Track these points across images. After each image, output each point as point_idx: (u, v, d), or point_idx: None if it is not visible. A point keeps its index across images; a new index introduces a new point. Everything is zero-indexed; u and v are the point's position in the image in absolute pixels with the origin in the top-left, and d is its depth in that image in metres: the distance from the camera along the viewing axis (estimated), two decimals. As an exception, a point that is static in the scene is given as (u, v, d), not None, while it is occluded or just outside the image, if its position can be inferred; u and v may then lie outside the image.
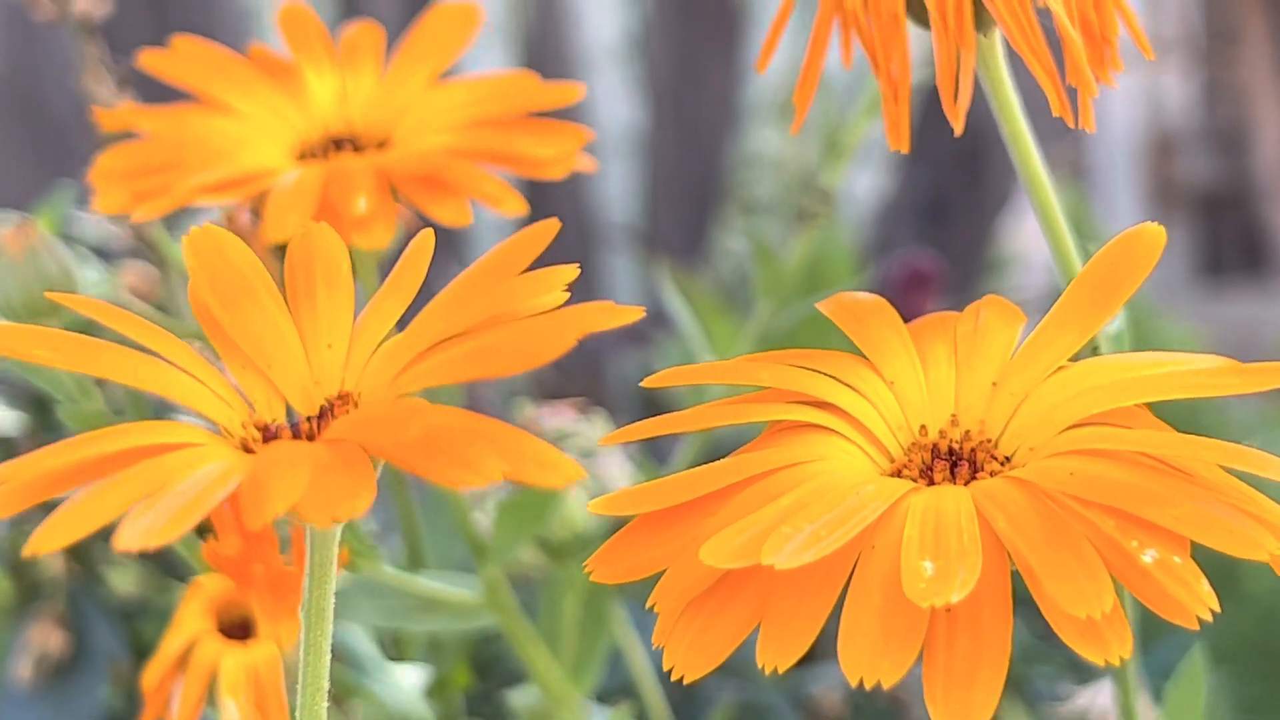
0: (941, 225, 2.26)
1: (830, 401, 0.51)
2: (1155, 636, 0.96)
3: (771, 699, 1.08)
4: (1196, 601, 0.44)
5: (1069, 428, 0.50)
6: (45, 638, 1.08)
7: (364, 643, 0.81)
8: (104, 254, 0.99)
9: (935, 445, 0.51)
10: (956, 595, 0.42)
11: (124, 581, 1.16)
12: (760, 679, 1.10)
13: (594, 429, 0.91)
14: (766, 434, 0.51)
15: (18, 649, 1.08)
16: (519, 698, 0.83)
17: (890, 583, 0.44)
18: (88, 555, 1.13)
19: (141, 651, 1.09)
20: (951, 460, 0.51)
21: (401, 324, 0.49)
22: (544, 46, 2.00)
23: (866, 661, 0.43)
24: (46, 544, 0.41)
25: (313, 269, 0.50)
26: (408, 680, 0.79)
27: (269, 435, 0.48)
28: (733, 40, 2.03)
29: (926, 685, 0.44)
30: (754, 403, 0.52)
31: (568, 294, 0.47)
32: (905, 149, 0.56)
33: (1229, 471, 0.47)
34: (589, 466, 0.86)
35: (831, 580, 0.45)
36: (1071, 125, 0.55)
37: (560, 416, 0.90)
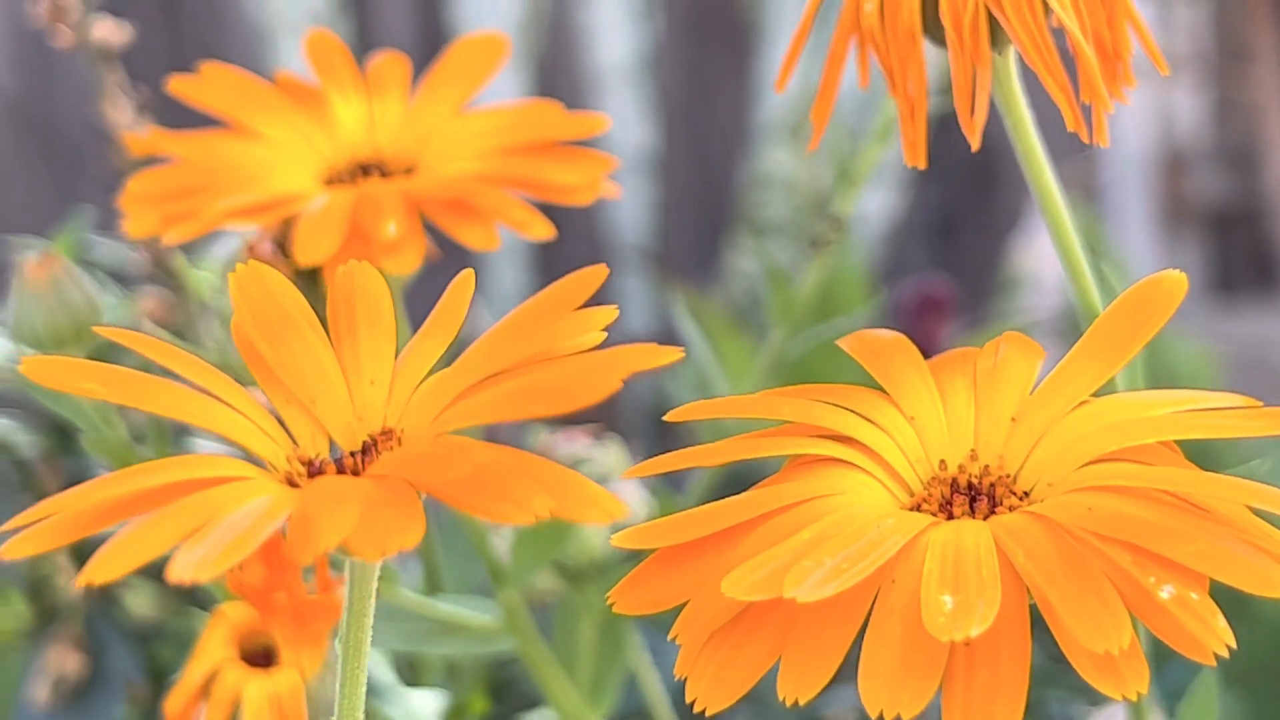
0: (953, 245, 2.27)
1: (851, 436, 0.52)
2: (1168, 658, 0.97)
3: (785, 721, 1.09)
4: (1213, 637, 0.44)
5: (1088, 463, 0.50)
6: (63, 660, 1.09)
7: (381, 669, 0.81)
8: (121, 279, 1.00)
9: (955, 480, 0.52)
10: (976, 629, 0.43)
11: (141, 604, 1.16)
12: (775, 704, 1.10)
13: (608, 455, 0.91)
14: (787, 468, 0.52)
15: (35, 671, 1.08)
16: (535, 721, 0.84)
17: (910, 616, 0.44)
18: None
19: (158, 674, 1.09)
20: (971, 495, 0.51)
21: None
22: (556, 67, 2.00)
23: (887, 694, 0.44)
24: (102, 574, 0.41)
25: (354, 306, 0.51)
26: (425, 706, 0.80)
27: (313, 470, 0.49)
28: (745, 61, 2.04)
29: (946, 717, 0.44)
30: (775, 437, 0.53)
31: (605, 335, 0.48)
32: (922, 165, 0.57)
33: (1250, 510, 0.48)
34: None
35: (852, 614, 0.45)
36: (1086, 141, 0.55)
37: (575, 443, 0.91)
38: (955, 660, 0.44)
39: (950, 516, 0.50)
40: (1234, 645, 0.44)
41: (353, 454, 0.49)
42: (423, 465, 0.44)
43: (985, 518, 0.50)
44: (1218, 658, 0.69)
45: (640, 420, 1.64)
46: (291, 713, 0.69)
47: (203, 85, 0.77)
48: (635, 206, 2.02)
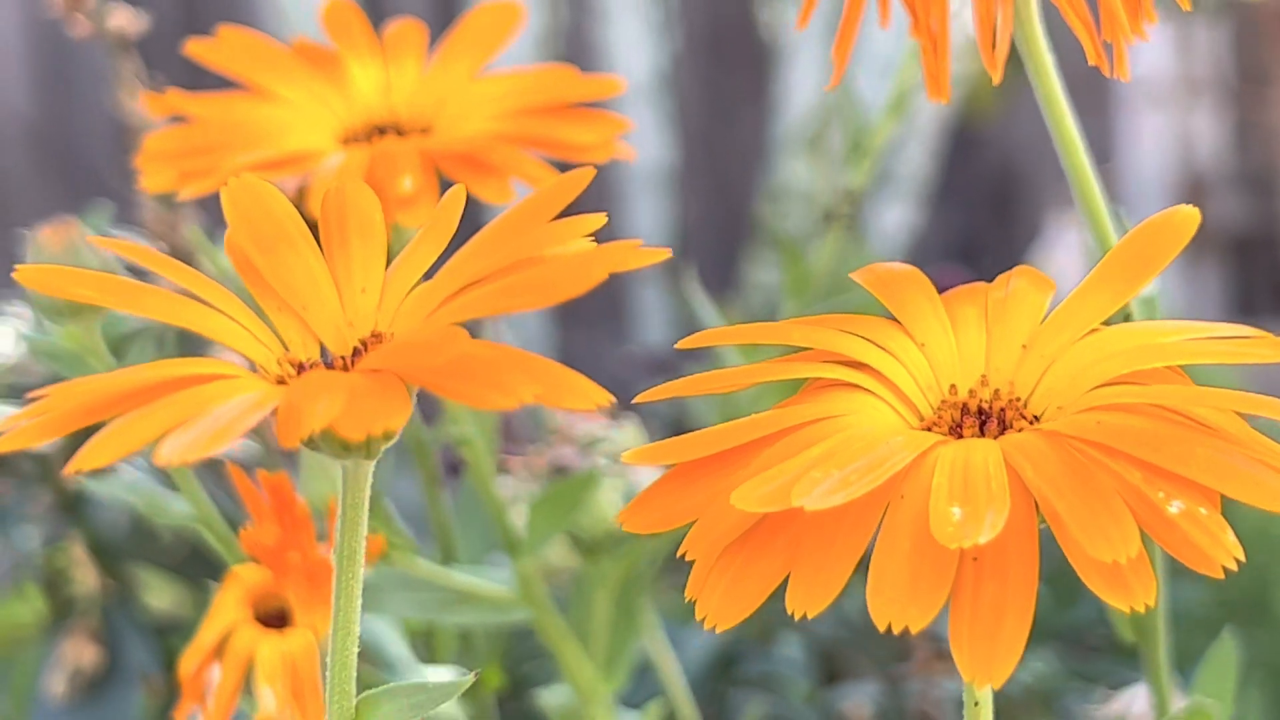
0: (972, 264, 2.27)
1: (863, 361, 0.52)
2: (1191, 659, 0.97)
3: (802, 713, 1.08)
4: (1221, 550, 0.44)
5: (1097, 387, 0.50)
6: (79, 653, 1.09)
7: (395, 644, 0.82)
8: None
9: (965, 404, 0.52)
10: (985, 536, 0.43)
11: (157, 598, 1.17)
12: (791, 694, 1.10)
13: (625, 435, 0.91)
14: (801, 392, 0.52)
15: (52, 664, 1.08)
16: (549, 697, 0.84)
17: (919, 528, 0.44)
18: (121, 572, 1.14)
19: (174, 666, 1.09)
20: (981, 418, 0.51)
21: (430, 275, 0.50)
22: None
23: (895, 607, 0.44)
24: (90, 461, 0.42)
25: (346, 219, 0.52)
26: (440, 681, 0.80)
27: (304, 372, 0.49)
28: (762, 77, 2.04)
29: (952, 631, 0.44)
30: (789, 362, 0.53)
31: (593, 240, 0.48)
32: (945, 100, 0.57)
33: (1253, 422, 0.48)
34: (621, 472, 0.87)
35: (861, 528, 0.45)
36: (1107, 74, 0.55)
37: (591, 422, 0.91)
38: (963, 574, 0.44)
39: (960, 437, 0.50)
40: (1243, 559, 0.44)
41: (343, 358, 0.50)
42: (409, 353, 0.44)
43: (995, 438, 0.50)
44: (1238, 661, 0.69)
45: (655, 426, 1.64)
46: (305, 673, 0.69)
47: (220, 48, 0.78)
48: (654, 220, 2.03)
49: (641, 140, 2.04)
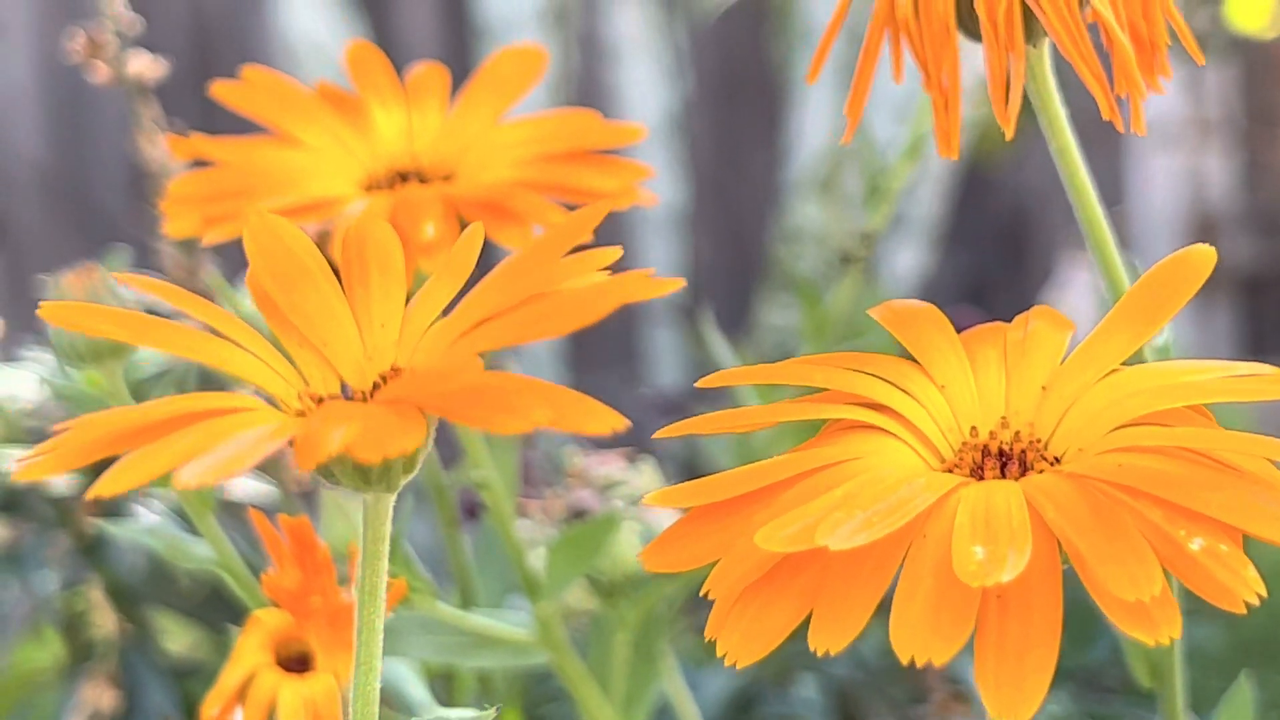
0: (984, 306, 2.27)
1: (883, 403, 0.52)
2: (1207, 699, 0.96)
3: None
4: (1243, 585, 0.45)
5: (1117, 428, 0.50)
6: (97, 697, 1.09)
7: (415, 686, 0.82)
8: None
9: (986, 445, 0.52)
10: (1007, 575, 0.43)
11: (174, 641, 1.17)
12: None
13: (643, 477, 0.92)
14: (821, 434, 0.52)
15: (71, 708, 1.09)
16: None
17: (942, 567, 0.45)
18: (139, 615, 1.14)
19: (192, 710, 1.10)
20: (1002, 459, 0.52)
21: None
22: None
23: (919, 640, 0.44)
24: (111, 488, 0.42)
25: (366, 255, 0.52)
26: (459, 723, 0.80)
27: (323, 404, 0.50)
28: (774, 119, 2.05)
29: (978, 669, 0.45)
30: (810, 403, 0.53)
31: (608, 274, 0.49)
32: (955, 156, 0.58)
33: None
34: (638, 514, 0.87)
35: (884, 567, 0.46)
36: (1120, 130, 0.56)
37: (609, 465, 0.91)
38: (987, 612, 0.45)
39: (981, 479, 0.51)
40: (1264, 594, 0.44)
41: (363, 392, 0.50)
42: (424, 381, 0.45)
43: (1016, 480, 0.50)
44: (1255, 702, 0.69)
45: (671, 468, 1.64)
46: (327, 716, 0.70)
47: (245, 91, 0.78)
48: (665, 262, 2.03)
49: (654, 182, 2.04)
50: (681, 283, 0.47)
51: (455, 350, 0.48)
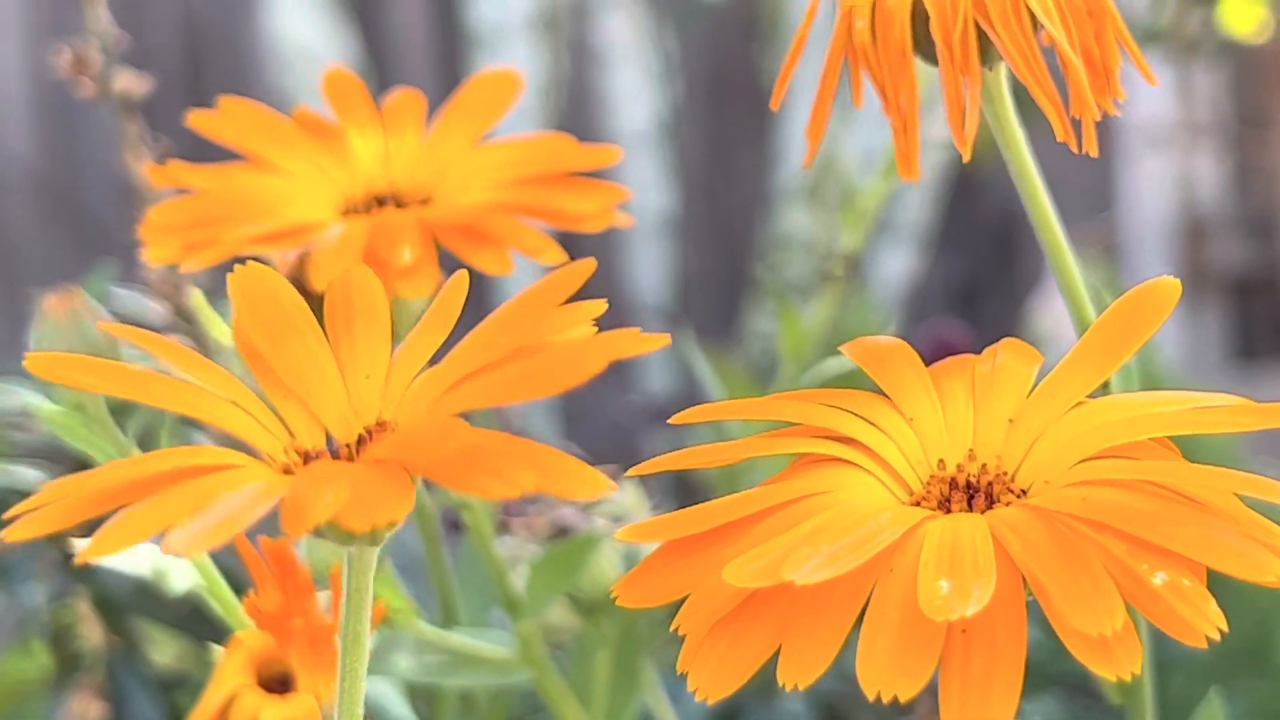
0: (973, 309, 2.28)
1: (852, 437, 0.53)
2: (1193, 708, 0.97)
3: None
4: (1204, 621, 0.45)
5: (1083, 460, 0.51)
6: (84, 709, 1.09)
7: (397, 705, 0.82)
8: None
9: (953, 478, 0.53)
10: (971, 609, 0.44)
11: (161, 653, 1.17)
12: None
13: (626, 496, 0.92)
14: (790, 468, 0.53)
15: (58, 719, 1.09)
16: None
17: (908, 602, 0.45)
18: (126, 627, 1.14)
19: (179, 721, 1.10)
20: (969, 492, 0.52)
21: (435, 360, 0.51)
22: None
23: (885, 677, 0.44)
24: (99, 551, 0.42)
25: (351, 305, 0.52)
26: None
27: (309, 461, 0.50)
28: (763, 126, 2.06)
29: (942, 701, 0.45)
30: (778, 437, 0.54)
31: (595, 328, 0.49)
32: (914, 179, 0.58)
33: (1242, 499, 0.48)
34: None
35: (850, 602, 0.46)
36: (1075, 151, 0.56)
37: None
38: (952, 645, 0.45)
39: (948, 512, 0.51)
40: (1225, 629, 0.45)
41: (348, 446, 0.51)
42: (412, 445, 0.45)
43: (982, 513, 0.50)
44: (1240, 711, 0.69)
45: (659, 479, 1.65)
46: (308, 737, 0.70)
47: (222, 119, 0.79)
48: (655, 269, 2.04)
49: (642, 189, 2.05)
50: (667, 340, 0.47)
51: (440, 407, 0.48)
